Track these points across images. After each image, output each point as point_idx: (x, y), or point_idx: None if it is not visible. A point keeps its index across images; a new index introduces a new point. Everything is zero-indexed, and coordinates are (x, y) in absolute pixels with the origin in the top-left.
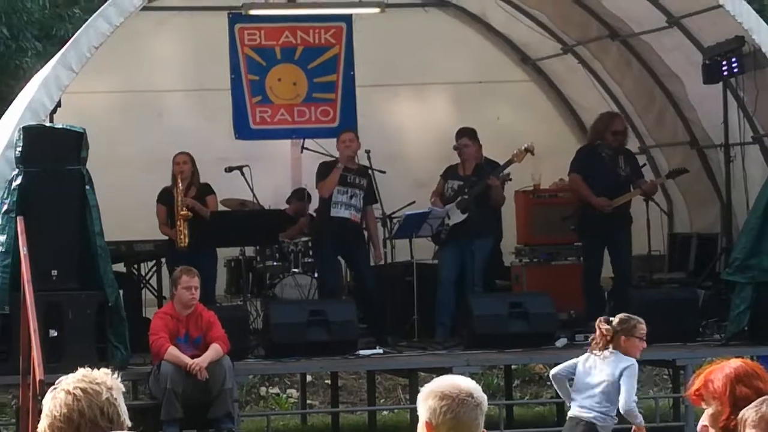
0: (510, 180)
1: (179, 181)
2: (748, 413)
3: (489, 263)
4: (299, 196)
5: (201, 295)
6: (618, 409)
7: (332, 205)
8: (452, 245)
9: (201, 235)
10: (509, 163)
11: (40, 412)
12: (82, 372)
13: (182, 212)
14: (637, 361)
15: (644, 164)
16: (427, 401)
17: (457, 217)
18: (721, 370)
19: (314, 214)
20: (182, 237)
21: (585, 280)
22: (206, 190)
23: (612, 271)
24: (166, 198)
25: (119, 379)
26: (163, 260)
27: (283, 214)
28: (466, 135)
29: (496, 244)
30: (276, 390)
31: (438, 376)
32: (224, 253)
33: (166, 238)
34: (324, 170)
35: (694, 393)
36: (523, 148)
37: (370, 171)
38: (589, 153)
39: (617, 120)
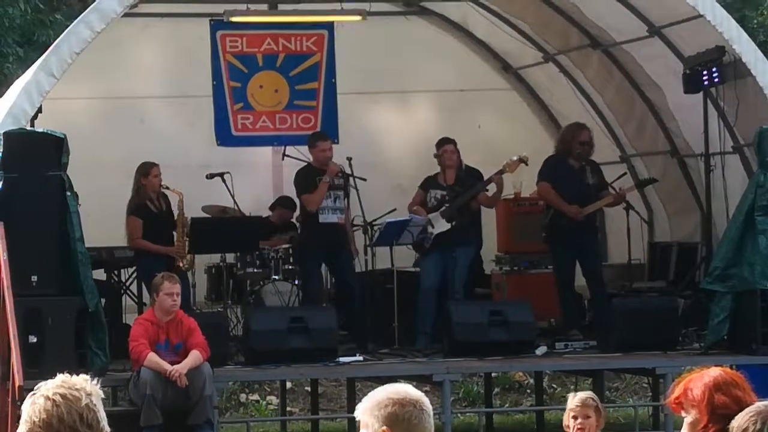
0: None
1: (181, 200)
2: (734, 424)
3: (470, 271)
4: (284, 203)
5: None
6: None
7: (320, 211)
8: (434, 254)
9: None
10: (501, 172)
11: (18, 417)
12: (62, 378)
13: (187, 228)
14: (617, 369)
15: (624, 173)
16: (384, 409)
17: (441, 226)
18: (700, 378)
19: (295, 222)
20: (188, 256)
21: (559, 288)
22: (168, 201)
23: (585, 279)
24: (142, 212)
25: (98, 385)
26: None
27: (264, 221)
28: (452, 142)
29: (477, 252)
30: (256, 397)
31: (417, 383)
32: (205, 260)
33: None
34: (303, 178)
35: (674, 401)
36: (516, 158)
37: (351, 178)
38: (557, 162)
39: (584, 131)
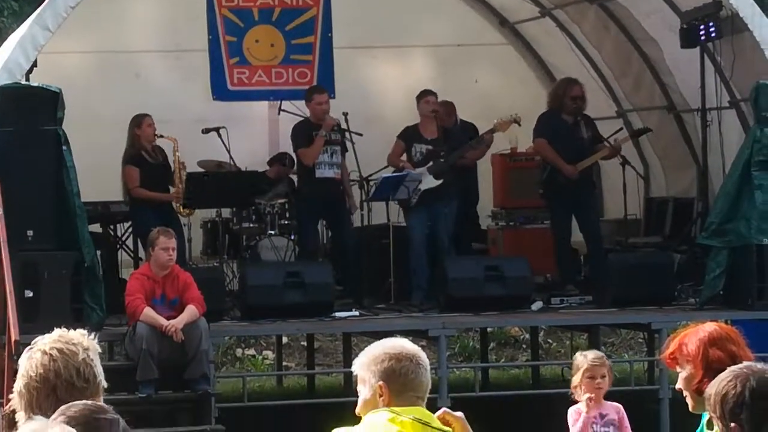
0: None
1: (176, 146)
2: (710, 390)
3: (458, 225)
4: (281, 160)
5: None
6: None
7: (316, 166)
8: (421, 209)
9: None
10: (492, 131)
11: (15, 372)
12: (58, 332)
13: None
14: (612, 324)
15: (621, 128)
16: (380, 364)
17: (429, 182)
18: (695, 333)
19: (292, 177)
20: (186, 202)
21: (556, 244)
22: (163, 152)
23: (582, 235)
24: (138, 161)
25: (95, 339)
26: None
27: (260, 176)
28: (433, 94)
29: (461, 206)
30: (252, 352)
31: (413, 338)
32: (201, 215)
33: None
34: (300, 132)
35: (669, 356)
36: (508, 117)
37: (347, 133)
38: (550, 118)
39: (575, 86)
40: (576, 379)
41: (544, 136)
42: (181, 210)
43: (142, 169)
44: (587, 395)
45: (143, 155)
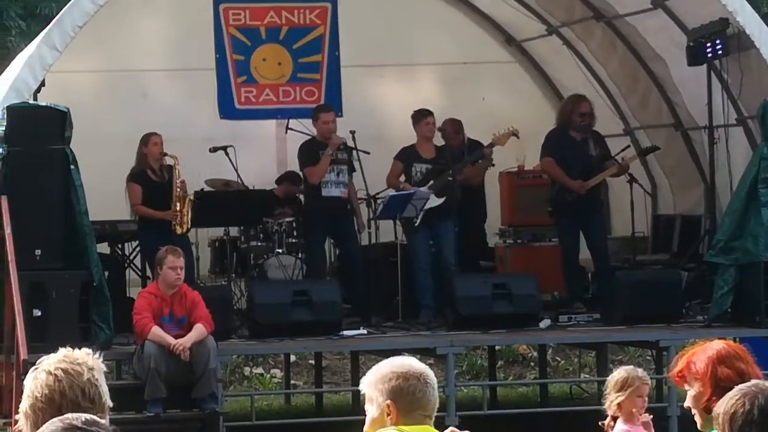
0: (493, 165)
1: (177, 164)
2: (719, 409)
3: (464, 242)
4: (291, 179)
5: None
6: None
7: (322, 185)
8: (423, 228)
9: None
10: (491, 145)
11: (22, 392)
12: (63, 352)
13: (185, 196)
14: (620, 342)
15: (628, 146)
16: (388, 383)
17: (432, 200)
18: (703, 351)
19: (299, 196)
20: (184, 221)
21: (564, 262)
22: (170, 171)
23: (589, 253)
24: (142, 179)
25: (100, 358)
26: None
27: (268, 195)
28: (431, 114)
29: (467, 224)
30: (260, 370)
31: (420, 357)
32: (209, 234)
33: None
34: (307, 151)
35: (677, 374)
36: (506, 130)
37: (354, 151)
38: (559, 136)
39: (583, 102)
40: (620, 396)
41: (551, 155)
42: (177, 229)
43: (144, 187)
44: (634, 410)
45: (147, 173)
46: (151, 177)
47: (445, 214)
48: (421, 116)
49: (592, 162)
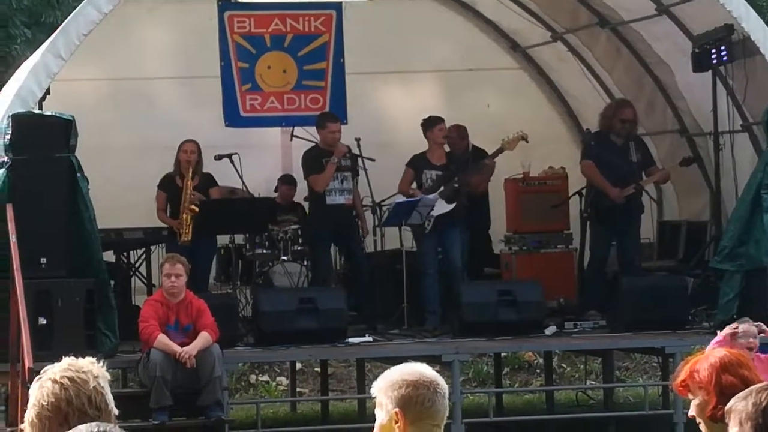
0: (492, 172)
1: (189, 173)
2: (740, 405)
3: (470, 250)
4: (287, 181)
5: (192, 283)
6: None
7: (327, 193)
8: (432, 235)
9: (194, 224)
10: (500, 150)
11: (28, 400)
12: (68, 361)
13: (190, 207)
14: (626, 349)
15: None
16: (398, 390)
17: (442, 207)
18: (706, 359)
19: (303, 203)
20: (186, 231)
21: (589, 268)
22: (209, 181)
23: (618, 260)
24: (167, 185)
25: (105, 367)
26: (153, 248)
27: (273, 203)
28: (443, 121)
29: (472, 231)
30: (266, 378)
31: (426, 364)
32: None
33: (157, 225)
34: (310, 159)
35: (680, 384)
36: (515, 135)
37: (359, 158)
38: (599, 139)
39: (627, 108)
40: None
41: (591, 158)
42: (179, 239)
43: (169, 194)
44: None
45: (176, 180)
46: (178, 184)
47: (456, 221)
48: (432, 123)
49: (632, 168)
